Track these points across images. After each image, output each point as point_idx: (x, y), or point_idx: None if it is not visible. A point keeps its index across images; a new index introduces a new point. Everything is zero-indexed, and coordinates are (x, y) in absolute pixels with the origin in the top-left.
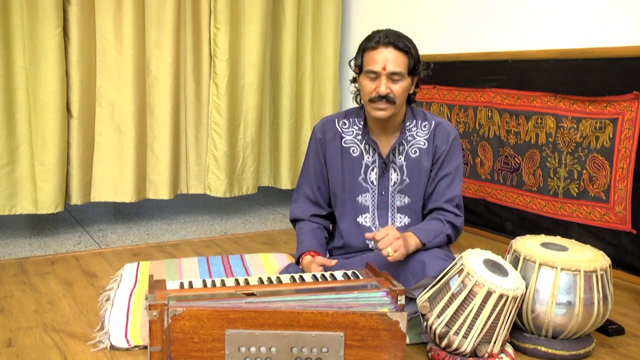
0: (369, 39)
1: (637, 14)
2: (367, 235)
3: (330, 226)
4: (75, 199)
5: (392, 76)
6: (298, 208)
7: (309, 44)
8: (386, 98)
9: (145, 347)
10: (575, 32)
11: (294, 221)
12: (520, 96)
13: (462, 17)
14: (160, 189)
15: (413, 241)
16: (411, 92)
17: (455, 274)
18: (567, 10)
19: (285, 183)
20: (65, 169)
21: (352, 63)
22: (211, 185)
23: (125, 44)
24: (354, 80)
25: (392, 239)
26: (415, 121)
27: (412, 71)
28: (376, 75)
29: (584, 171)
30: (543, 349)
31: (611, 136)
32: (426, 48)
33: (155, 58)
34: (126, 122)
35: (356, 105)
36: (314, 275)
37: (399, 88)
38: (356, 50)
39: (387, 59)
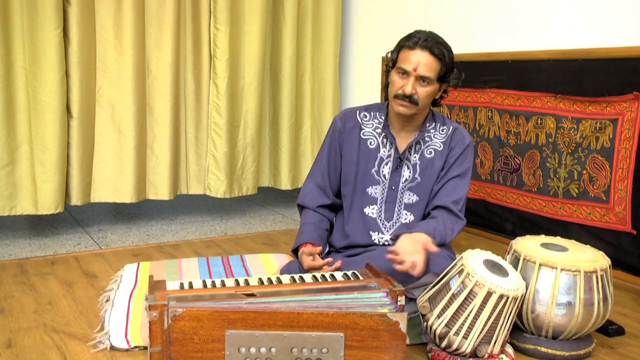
0: (409, 37)
1: (637, 14)
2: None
3: (334, 219)
4: (75, 200)
5: (421, 79)
6: (306, 194)
7: (308, 44)
8: (410, 98)
9: (145, 348)
10: (575, 32)
11: (300, 207)
12: (520, 96)
13: (462, 18)
14: (160, 190)
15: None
16: (437, 97)
17: (455, 275)
18: (567, 10)
19: (285, 184)
20: (65, 170)
21: (390, 55)
22: (211, 185)
23: (125, 44)
24: (389, 72)
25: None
26: (435, 124)
27: (441, 78)
28: (406, 74)
29: (584, 172)
30: (543, 349)
31: (611, 137)
32: None
33: (155, 58)
34: (126, 122)
35: (378, 102)
36: (314, 276)
37: (424, 92)
38: (357, 49)
39: (420, 61)
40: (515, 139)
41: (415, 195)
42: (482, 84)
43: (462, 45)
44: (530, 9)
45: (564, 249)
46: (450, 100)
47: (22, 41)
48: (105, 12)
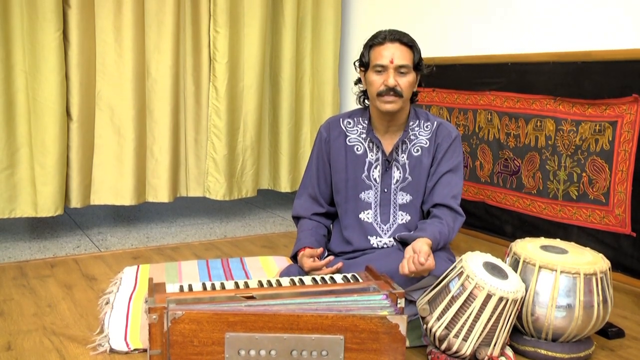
0: (374, 36)
1: (637, 16)
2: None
3: (331, 225)
4: (75, 202)
5: (400, 69)
6: (300, 205)
7: (308, 46)
8: (394, 91)
9: (144, 351)
10: (575, 34)
11: (296, 218)
12: (520, 99)
13: (461, 20)
14: (159, 192)
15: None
16: (414, 90)
17: (455, 277)
18: (566, 13)
19: (285, 186)
20: (65, 172)
21: (357, 63)
22: (211, 188)
23: (125, 47)
24: (359, 82)
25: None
26: (418, 121)
27: (416, 66)
28: (384, 69)
29: (584, 174)
30: (543, 351)
31: (610, 139)
32: (426, 51)
33: (155, 61)
34: (126, 125)
35: (360, 107)
36: (313, 279)
37: (405, 82)
38: (357, 52)
39: (394, 53)
40: (514, 141)
41: (408, 194)
42: (482, 87)
43: (461, 48)
44: (530, 11)
45: (563, 252)
46: (449, 102)
47: (22, 44)
48: (105, 14)
